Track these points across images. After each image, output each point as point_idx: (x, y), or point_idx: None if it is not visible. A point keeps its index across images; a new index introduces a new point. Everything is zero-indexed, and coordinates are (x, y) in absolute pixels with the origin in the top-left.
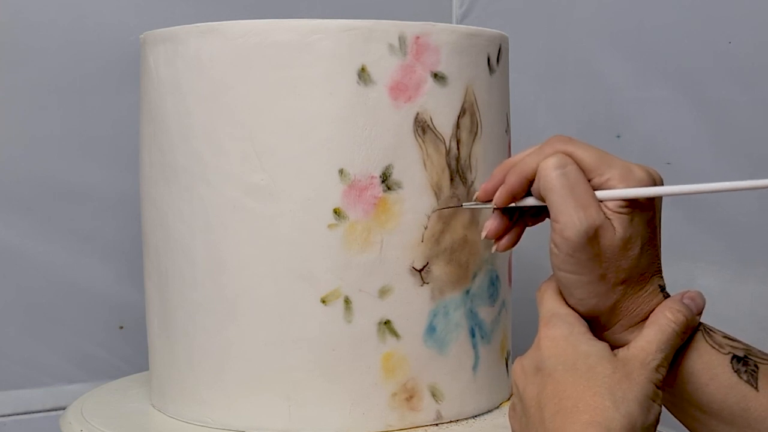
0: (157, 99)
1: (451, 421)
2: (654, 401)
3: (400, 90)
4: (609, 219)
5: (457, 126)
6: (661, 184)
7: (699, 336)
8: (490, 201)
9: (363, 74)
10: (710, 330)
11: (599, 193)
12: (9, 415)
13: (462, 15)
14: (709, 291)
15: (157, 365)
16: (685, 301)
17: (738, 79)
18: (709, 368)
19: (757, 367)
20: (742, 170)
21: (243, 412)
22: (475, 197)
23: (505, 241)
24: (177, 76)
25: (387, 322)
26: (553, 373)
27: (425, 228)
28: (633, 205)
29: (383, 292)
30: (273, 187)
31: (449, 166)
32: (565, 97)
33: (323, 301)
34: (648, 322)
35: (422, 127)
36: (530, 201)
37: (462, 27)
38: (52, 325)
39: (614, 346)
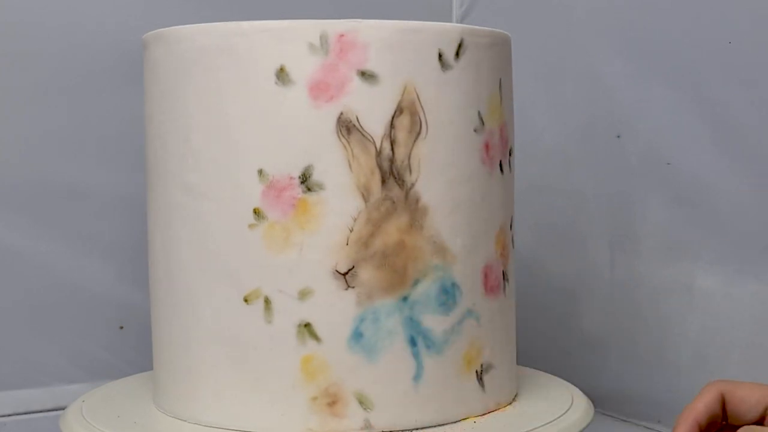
0: (144, 102)
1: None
2: None
3: (320, 89)
4: None
5: (392, 125)
6: None
7: None
8: None
9: (281, 74)
10: None
11: None
12: (9, 415)
13: (462, 15)
14: (709, 291)
15: (156, 364)
16: None
17: (738, 79)
18: None
19: None
20: (743, 170)
21: (200, 409)
22: None
23: None
24: (146, 80)
25: (307, 325)
26: None
27: (351, 230)
28: None
29: (303, 294)
30: (203, 186)
31: (380, 167)
32: (565, 97)
33: (245, 300)
34: None
35: (347, 126)
36: None
37: (399, 22)
38: (53, 325)
39: None
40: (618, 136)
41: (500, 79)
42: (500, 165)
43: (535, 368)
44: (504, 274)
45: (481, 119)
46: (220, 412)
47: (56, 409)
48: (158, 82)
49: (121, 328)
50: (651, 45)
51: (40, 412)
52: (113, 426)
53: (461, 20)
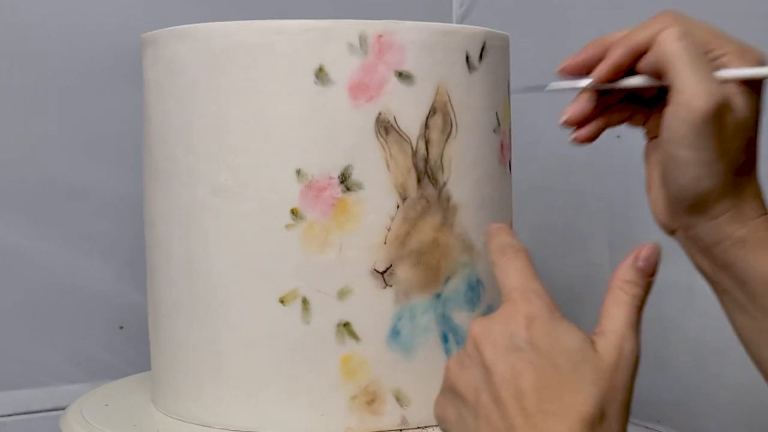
0: (146, 100)
1: (418, 427)
2: (628, 405)
3: (360, 90)
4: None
5: (426, 126)
6: None
7: None
8: (577, 77)
9: (321, 74)
10: None
11: (720, 73)
12: (9, 415)
13: (462, 15)
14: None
15: (155, 364)
16: (640, 264)
17: None
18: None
19: None
20: None
21: (216, 411)
22: (558, 69)
23: (585, 131)
24: (158, 79)
25: (346, 324)
26: (534, 361)
27: (388, 230)
28: (752, 85)
29: (342, 294)
30: (236, 187)
31: (416, 166)
32: (565, 97)
33: (282, 301)
34: (609, 300)
35: (385, 127)
36: (636, 80)
37: (433, 24)
38: (52, 325)
39: (712, 246)
40: (618, 136)
41: (507, 81)
42: (509, 164)
43: None
44: None
45: (498, 120)
46: (252, 414)
47: (56, 409)
48: (180, 79)
49: (121, 328)
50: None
51: (40, 412)
52: (113, 426)
53: (461, 20)
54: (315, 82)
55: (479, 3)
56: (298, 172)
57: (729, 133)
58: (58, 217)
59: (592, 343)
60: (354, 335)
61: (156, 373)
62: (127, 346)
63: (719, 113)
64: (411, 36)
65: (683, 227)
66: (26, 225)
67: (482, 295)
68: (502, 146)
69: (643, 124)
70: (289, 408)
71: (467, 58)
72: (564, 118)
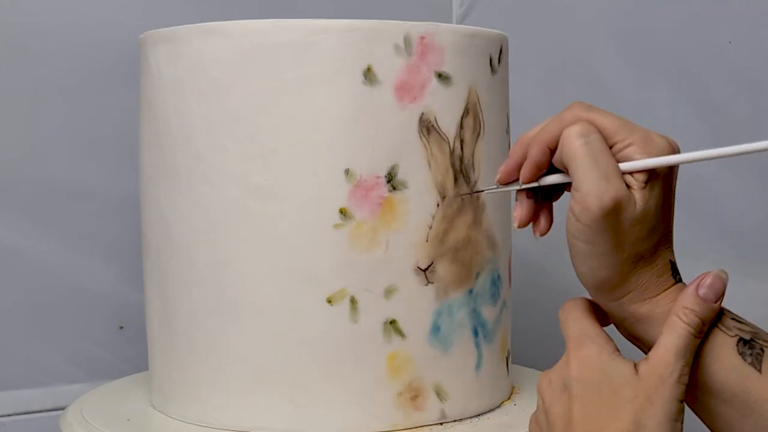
0: (158, 99)
1: (455, 420)
2: (677, 421)
3: (405, 90)
4: (630, 191)
5: (461, 126)
6: (678, 152)
7: None
8: (511, 183)
9: (369, 74)
10: (720, 312)
11: (623, 166)
12: (9, 415)
13: (462, 15)
14: None
15: (158, 365)
16: (702, 291)
17: (738, 79)
18: (713, 349)
19: (763, 351)
20: (743, 170)
21: (246, 412)
22: (496, 180)
23: (543, 224)
24: (178, 76)
25: (393, 322)
26: (580, 395)
27: (430, 228)
28: (654, 176)
29: (389, 292)
30: (276, 188)
31: (453, 166)
32: (565, 97)
33: (329, 301)
34: (666, 325)
35: (427, 127)
36: (552, 178)
37: (464, 27)
38: (52, 325)
39: (621, 321)
40: None
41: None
42: None
43: (534, 368)
44: (510, 267)
45: (508, 121)
46: (292, 416)
47: (56, 409)
48: (206, 78)
49: (121, 328)
50: (651, 45)
51: (40, 412)
52: (113, 426)
53: (461, 20)
54: (363, 82)
55: (479, 3)
56: (347, 171)
57: (626, 227)
58: (58, 217)
59: (636, 367)
60: (400, 332)
61: (160, 373)
62: (126, 346)
63: (613, 211)
64: (448, 38)
65: (596, 302)
66: (26, 225)
67: (501, 290)
68: (509, 146)
69: None
70: (333, 408)
71: (490, 60)
72: (516, 224)
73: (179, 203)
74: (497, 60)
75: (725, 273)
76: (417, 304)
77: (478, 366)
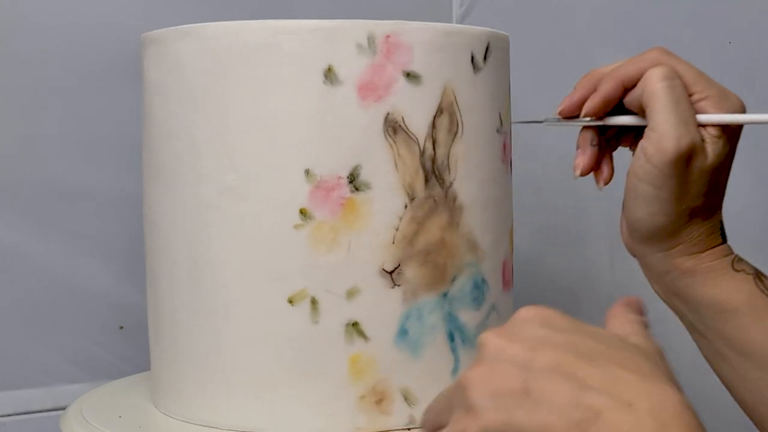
0: (148, 100)
1: None
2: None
3: (369, 90)
4: (704, 142)
5: (433, 126)
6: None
7: (749, 279)
8: (574, 117)
9: (329, 74)
10: (763, 276)
11: (700, 117)
12: (9, 415)
13: (462, 15)
14: None
15: (155, 365)
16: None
17: (738, 79)
18: (755, 310)
19: None
20: (742, 170)
21: (220, 411)
22: (557, 112)
23: (606, 172)
24: (162, 78)
25: (355, 324)
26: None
27: (396, 229)
28: (726, 131)
29: (351, 294)
30: (243, 187)
31: (423, 166)
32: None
33: (290, 302)
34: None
35: (393, 127)
36: (625, 119)
37: (439, 25)
38: (52, 325)
39: (663, 274)
40: None
41: (509, 81)
42: (510, 164)
43: None
44: (512, 269)
45: (501, 120)
46: (259, 415)
47: (56, 409)
48: (183, 79)
49: (121, 328)
50: (651, 45)
51: (40, 412)
52: (113, 426)
53: (461, 20)
54: (324, 82)
55: (479, 3)
56: (307, 172)
57: (693, 177)
58: (58, 217)
59: None
60: (362, 335)
61: (156, 373)
62: (127, 346)
63: (686, 157)
64: (418, 36)
65: (638, 254)
66: (26, 225)
67: (486, 295)
68: (504, 146)
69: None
70: (297, 408)
71: (472, 58)
72: (577, 171)
73: (164, 203)
74: (482, 58)
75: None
76: (382, 306)
77: (455, 371)
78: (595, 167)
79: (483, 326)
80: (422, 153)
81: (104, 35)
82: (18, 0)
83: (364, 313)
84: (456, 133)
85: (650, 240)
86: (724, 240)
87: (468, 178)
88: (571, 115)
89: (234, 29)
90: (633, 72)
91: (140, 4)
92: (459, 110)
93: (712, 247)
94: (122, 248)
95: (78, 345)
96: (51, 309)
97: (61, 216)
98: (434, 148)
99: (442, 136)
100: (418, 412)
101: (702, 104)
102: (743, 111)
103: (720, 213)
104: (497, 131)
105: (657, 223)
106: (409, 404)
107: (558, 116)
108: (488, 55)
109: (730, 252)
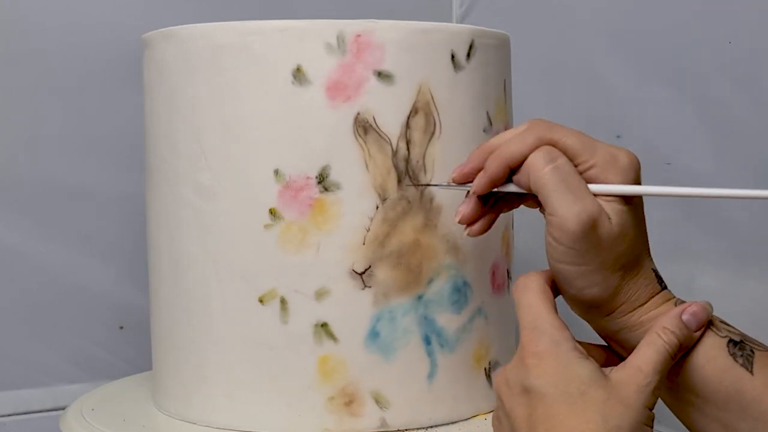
0: (144, 102)
1: (398, 430)
2: (647, 425)
3: (338, 89)
4: (602, 207)
5: (408, 126)
6: (640, 168)
7: None
8: (465, 183)
9: (298, 74)
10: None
11: (592, 188)
12: (9, 415)
13: (462, 15)
14: (709, 291)
15: (155, 364)
16: (685, 317)
17: (738, 79)
18: (706, 350)
19: (753, 352)
20: (742, 171)
21: (203, 409)
22: (449, 179)
23: (477, 226)
24: (150, 79)
25: (324, 325)
26: (544, 397)
27: (367, 230)
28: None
29: (320, 294)
30: (216, 187)
31: (396, 167)
32: (565, 97)
33: (261, 301)
34: (644, 339)
35: (363, 127)
36: (512, 188)
37: (413, 23)
38: (52, 325)
39: (614, 334)
40: (618, 136)
41: (504, 80)
42: None
43: None
44: (508, 272)
45: (489, 119)
46: (232, 413)
47: (56, 409)
48: (166, 81)
49: (121, 328)
50: (651, 45)
51: (40, 412)
52: (113, 426)
53: (461, 20)
54: (292, 83)
55: (479, 3)
56: (276, 172)
57: (606, 244)
58: (58, 217)
59: (606, 372)
60: (332, 336)
61: (156, 372)
62: (127, 346)
63: (591, 228)
64: (390, 35)
65: (587, 321)
66: (26, 225)
67: (470, 298)
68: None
69: (539, 207)
70: (267, 407)
71: (453, 56)
72: (458, 218)
73: (153, 203)
74: (465, 56)
75: (710, 306)
76: (352, 307)
77: (431, 375)
78: (475, 219)
79: (466, 330)
80: (395, 153)
81: (104, 35)
82: (18, 0)
83: (333, 314)
84: (433, 133)
85: (592, 309)
86: (663, 287)
87: (446, 177)
88: (463, 182)
89: (205, 31)
90: (516, 153)
91: (140, 4)
92: (437, 110)
93: (652, 297)
94: (122, 248)
95: (78, 345)
96: (51, 309)
97: (62, 216)
98: (408, 148)
99: (417, 136)
100: (391, 415)
101: (590, 173)
102: (635, 166)
103: (650, 261)
104: (484, 131)
105: (591, 295)
106: (380, 407)
107: (449, 182)
108: (472, 54)
109: (671, 296)
